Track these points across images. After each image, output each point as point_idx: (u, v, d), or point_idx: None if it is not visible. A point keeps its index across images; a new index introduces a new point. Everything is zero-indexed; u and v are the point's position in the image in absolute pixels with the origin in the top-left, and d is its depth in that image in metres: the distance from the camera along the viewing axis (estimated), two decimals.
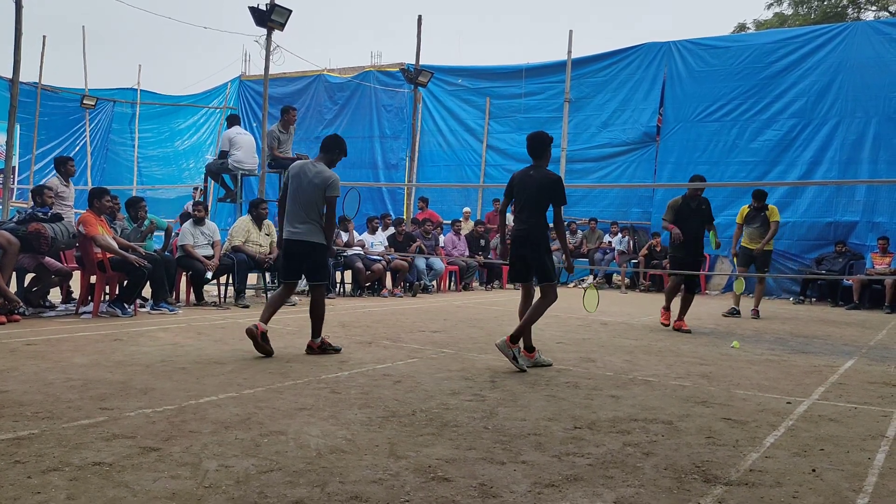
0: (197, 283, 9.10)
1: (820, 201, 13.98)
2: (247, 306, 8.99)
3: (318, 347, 5.78)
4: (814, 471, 3.18)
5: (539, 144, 5.61)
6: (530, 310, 5.46)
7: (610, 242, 15.61)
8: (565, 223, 15.99)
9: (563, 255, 5.90)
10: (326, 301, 6.07)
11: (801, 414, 4.26)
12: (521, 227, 5.59)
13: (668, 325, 8.18)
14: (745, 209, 10.16)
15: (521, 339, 5.43)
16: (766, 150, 14.51)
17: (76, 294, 8.15)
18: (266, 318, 5.67)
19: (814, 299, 13.36)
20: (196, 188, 16.20)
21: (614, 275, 15.62)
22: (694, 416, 4.09)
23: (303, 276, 6.12)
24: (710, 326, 8.69)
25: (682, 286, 8.22)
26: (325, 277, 6.03)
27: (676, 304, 8.21)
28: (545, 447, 3.39)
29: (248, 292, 9.76)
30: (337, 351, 5.81)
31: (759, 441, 3.63)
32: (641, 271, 14.59)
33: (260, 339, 5.50)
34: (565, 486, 2.88)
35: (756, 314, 9.99)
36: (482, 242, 14.15)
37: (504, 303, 10.95)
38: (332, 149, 5.99)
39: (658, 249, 14.46)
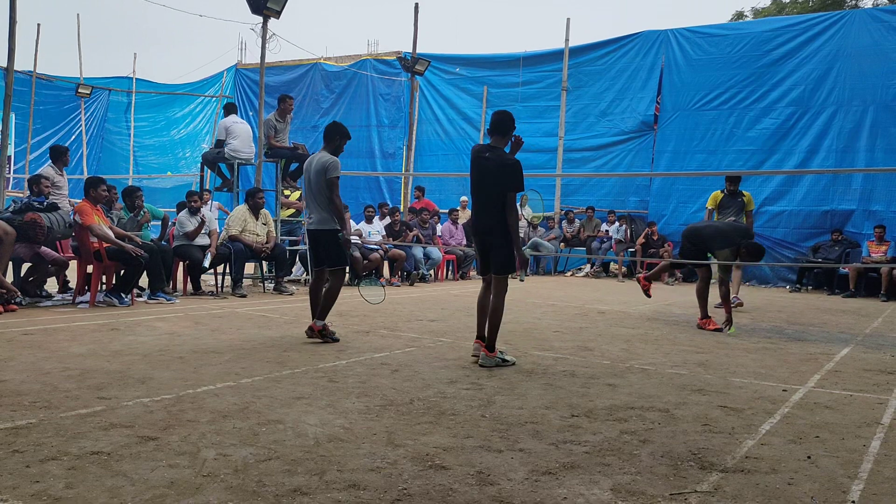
0: (194, 272, 9.10)
1: (817, 190, 13.98)
2: (244, 295, 8.99)
3: (319, 331, 5.82)
4: (809, 457, 3.19)
5: (510, 121, 5.27)
6: (490, 313, 5.13)
7: (607, 231, 15.63)
8: (563, 212, 16.18)
9: (515, 249, 5.22)
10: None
11: (796, 401, 4.28)
12: (484, 216, 5.22)
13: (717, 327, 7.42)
14: (718, 194, 9.45)
15: (487, 335, 5.15)
16: (764, 139, 14.49)
17: (73, 284, 8.14)
18: (315, 314, 5.95)
19: (810, 287, 13.39)
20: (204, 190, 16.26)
21: (611, 263, 15.64)
22: (690, 404, 4.10)
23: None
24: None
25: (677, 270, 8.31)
26: (343, 262, 6.05)
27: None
28: (542, 435, 3.40)
29: (245, 282, 9.75)
30: (335, 340, 5.83)
31: (755, 428, 3.65)
32: (638, 260, 14.61)
33: (319, 337, 5.82)
34: (562, 473, 2.89)
35: (737, 300, 9.27)
36: None
37: None
38: (332, 136, 6.06)
39: (655, 238, 14.47)
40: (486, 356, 5.05)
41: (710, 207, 9.44)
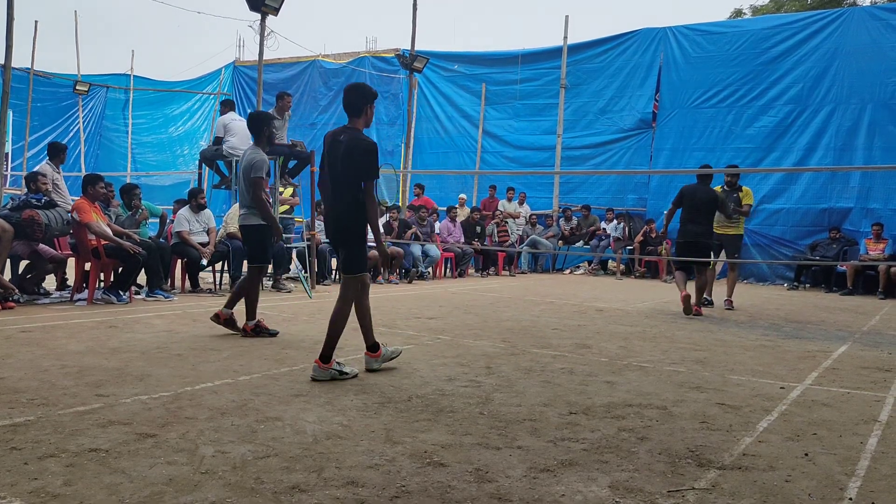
0: (192, 270, 9.09)
1: (815, 188, 13.99)
2: None
3: (249, 331, 5.87)
4: (806, 455, 3.20)
5: (357, 98, 4.62)
6: (332, 319, 4.48)
7: (605, 229, 15.64)
8: (560, 209, 16.17)
9: (376, 242, 4.80)
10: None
11: (794, 399, 4.29)
12: (332, 206, 4.64)
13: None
14: (717, 190, 9.30)
15: (366, 340, 4.69)
16: (762, 137, 14.50)
17: (71, 281, 8.14)
18: (247, 313, 5.97)
19: (808, 285, 13.40)
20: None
21: (610, 261, 15.66)
22: (688, 402, 4.11)
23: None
24: (704, 313, 8.71)
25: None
26: (256, 259, 6.08)
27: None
28: (540, 432, 3.41)
29: None
30: (274, 334, 5.88)
31: (753, 426, 3.65)
32: (637, 258, 14.62)
33: (223, 325, 5.96)
34: (560, 470, 2.90)
35: (730, 304, 9.16)
36: (478, 229, 14.16)
37: (499, 289, 10.97)
38: (254, 128, 6.13)
39: (653, 236, 14.48)
40: (318, 368, 4.33)
41: None
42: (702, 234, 8.37)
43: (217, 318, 5.97)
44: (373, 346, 4.69)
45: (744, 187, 9.39)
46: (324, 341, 4.43)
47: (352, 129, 4.60)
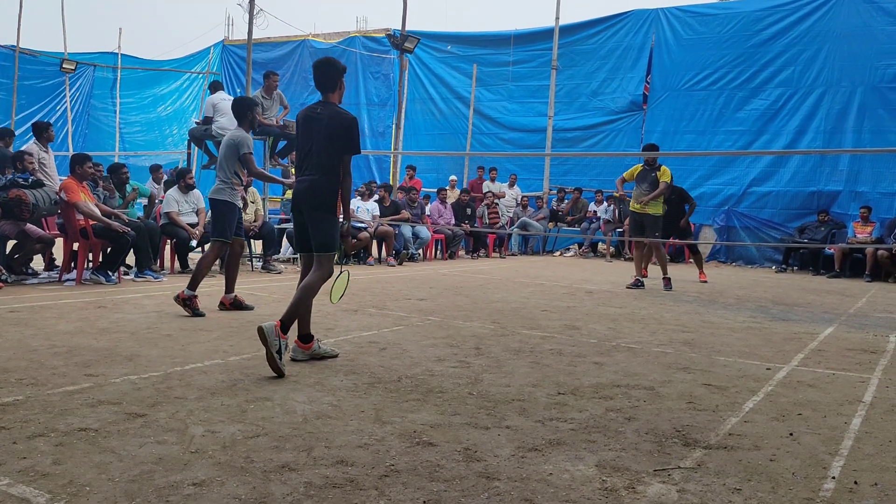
0: (181, 250, 9.06)
1: (804, 170, 14.05)
2: None
3: (182, 299, 5.80)
4: (791, 435, 3.24)
5: (330, 72, 4.40)
6: (301, 289, 4.31)
7: (595, 211, 15.65)
8: (555, 190, 16.15)
9: (344, 221, 4.58)
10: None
11: (780, 380, 4.33)
12: (303, 180, 4.38)
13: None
14: (637, 167, 9.35)
15: (298, 327, 4.43)
16: (753, 120, 14.52)
17: (59, 261, 8.09)
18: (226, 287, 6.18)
19: (796, 268, 13.50)
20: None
21: (599, 243, 15.70)
22: (675, 382, 4.15)
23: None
24: (692, 294, 8.78)
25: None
26: (217, 233, 6.12)
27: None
28: (529, 412, 3.43)
29: None
30: (200, 315, 5.80)
31: (739, 406, 3.70)
32: (626, 240, 14.65)
33: (232, 309, 6.06)
34: (548, 450, 2.92)
35: (638, 283, 9.28)
36: (468, 211, 14.15)
37: (490, 271, 10.99)
38: (238, 113, 6.26)
39: None
40: (297, 348, 4.35)
41: (625, 177, 9.39)
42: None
43: (223, 305, 6.20)
44: (306, 336, 4.42)
45: (662, 166, 9.32)
46: (296, 320, 4.25)
47: (328, 103, 4.43)
